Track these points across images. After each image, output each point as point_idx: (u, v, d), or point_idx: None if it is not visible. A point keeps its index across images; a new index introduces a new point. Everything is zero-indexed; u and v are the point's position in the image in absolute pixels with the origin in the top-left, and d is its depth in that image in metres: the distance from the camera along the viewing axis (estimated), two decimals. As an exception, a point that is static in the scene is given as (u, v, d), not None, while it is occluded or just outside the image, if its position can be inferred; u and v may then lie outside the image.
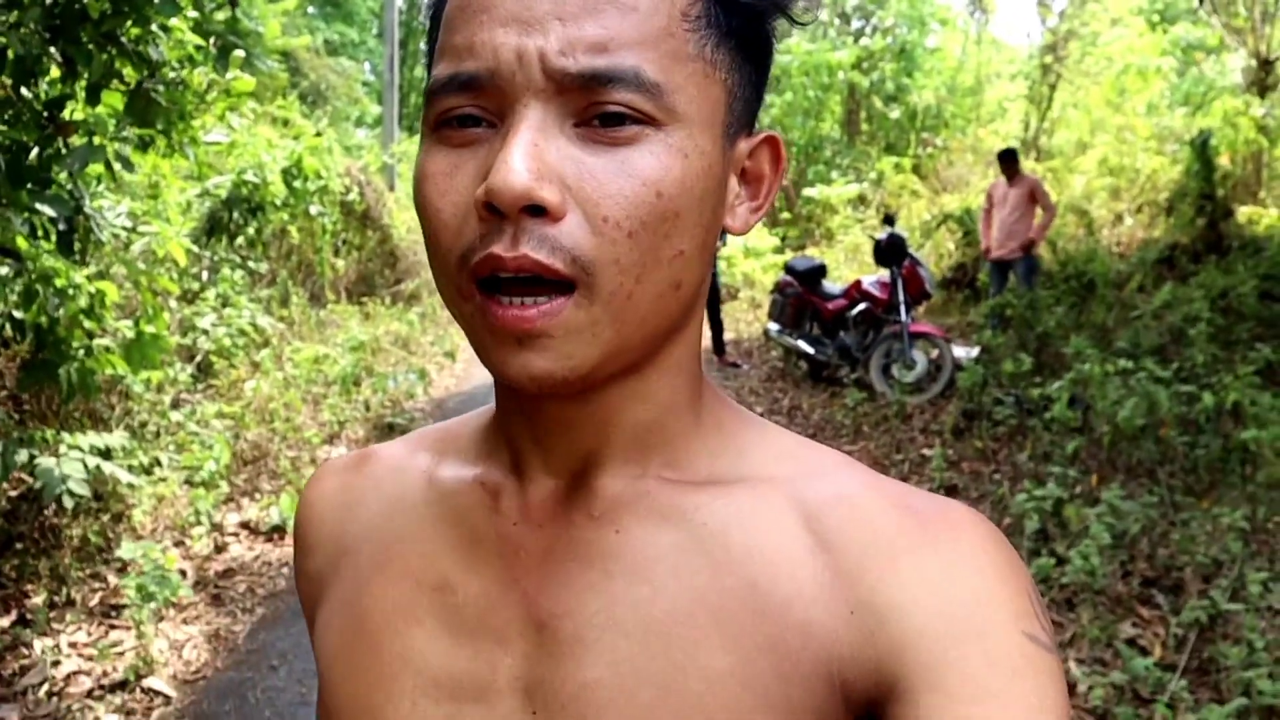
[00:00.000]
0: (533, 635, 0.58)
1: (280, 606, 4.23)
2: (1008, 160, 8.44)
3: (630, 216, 0.51)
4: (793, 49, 16.69)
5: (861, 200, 15.13)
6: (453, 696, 0.58)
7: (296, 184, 7.17)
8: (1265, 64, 11.51)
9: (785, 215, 17.21)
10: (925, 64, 17.02)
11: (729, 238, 12.13)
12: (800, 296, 8.36)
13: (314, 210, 7.79)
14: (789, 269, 8.71)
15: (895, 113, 16.77)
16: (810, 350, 8.18)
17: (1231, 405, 4.68)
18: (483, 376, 8.94)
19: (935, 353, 7.34)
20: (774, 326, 8.65)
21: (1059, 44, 14.94)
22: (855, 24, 18.09)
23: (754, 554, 0.55)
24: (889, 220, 8.06)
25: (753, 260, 14.46)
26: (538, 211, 0.50)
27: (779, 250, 15.40)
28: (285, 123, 8.58)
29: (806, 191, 16.02)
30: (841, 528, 0.55)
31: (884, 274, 7.87)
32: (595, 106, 0.51)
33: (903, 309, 7.43)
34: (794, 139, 17.51)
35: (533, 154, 0.50)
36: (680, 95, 0.52)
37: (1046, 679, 0.50)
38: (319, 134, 7.93)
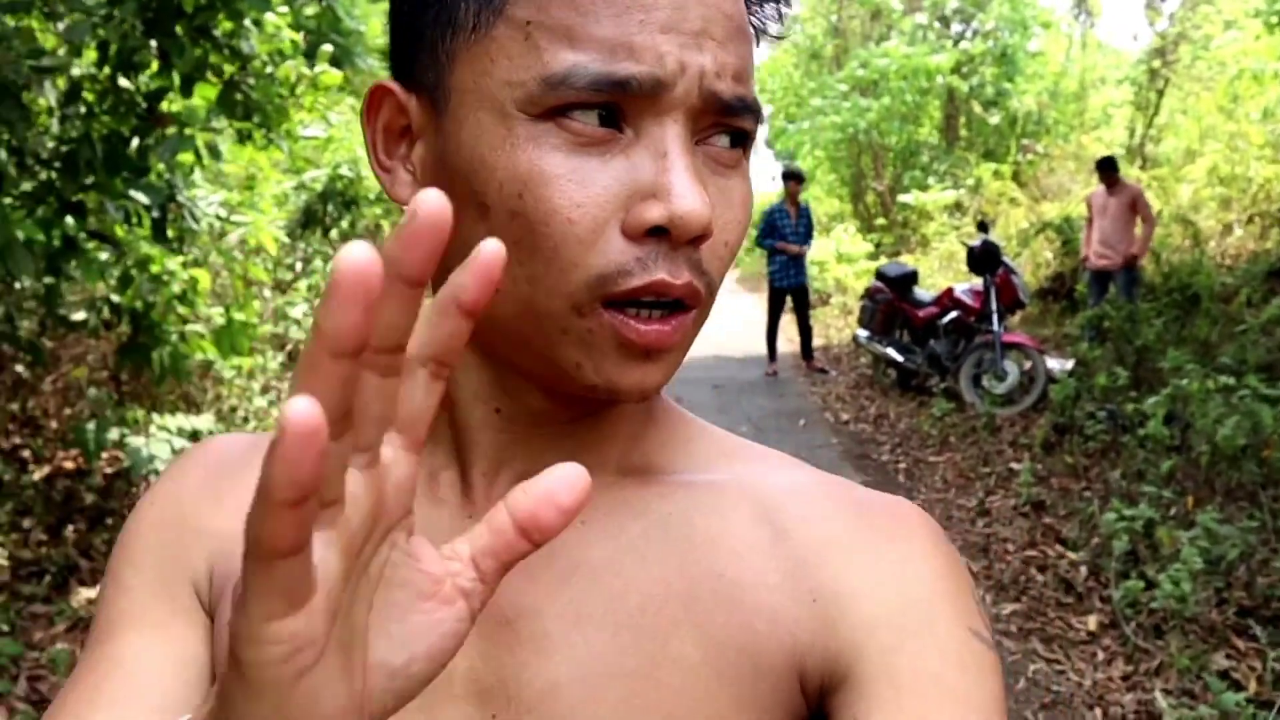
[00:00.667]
0: (491, 634, 0.55)
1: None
2: (1107, 168, 8.19)
3: (736, 241, 0.53)
4: (890, 53, 16.45)
5: (958, 207, 14.83)
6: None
7: (389, 179, 7.30)
8: (1392, 71, 10.97)
9: (880, 221, 16.99)
10: (1027, 68, 16.60)
11: (816, 243, 12.01)
12: (891, 303, 8.22)
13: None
14: (880, 275, 8.58)
15: (995, 118, 16.41)
16: (899, 358, 8.05)
17: (1343, 428, 4.45)
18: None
19: (1028, 364, 7.15)
20: (863, 333, 8.53)
21: (1168, 48, 14.44)
22: (955, 28, 17.74)
23: (718, 542, 0.55)
24: (983, 228, 7.87)
25: (845, 266, 14.32)
26: (699, 240, 0.50)
27: (872, 256, 15.19)
28: (381, 119, 8.73)
29: (902, 198, 15.77)
30: (800, 519, 0.56)
31: (977, 282, 7.69)
32: (717, 128, 0.52)
33: (995, 318, 7.24)
34: (891, 144, 17.27)
35: (698, 180, 0.49)
36: None
37: (989, 673, 0.52)
38: (413, 130, 8.07)
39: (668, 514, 0.56)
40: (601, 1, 0.48)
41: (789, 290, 9.26)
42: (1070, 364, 7.12)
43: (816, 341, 10.71)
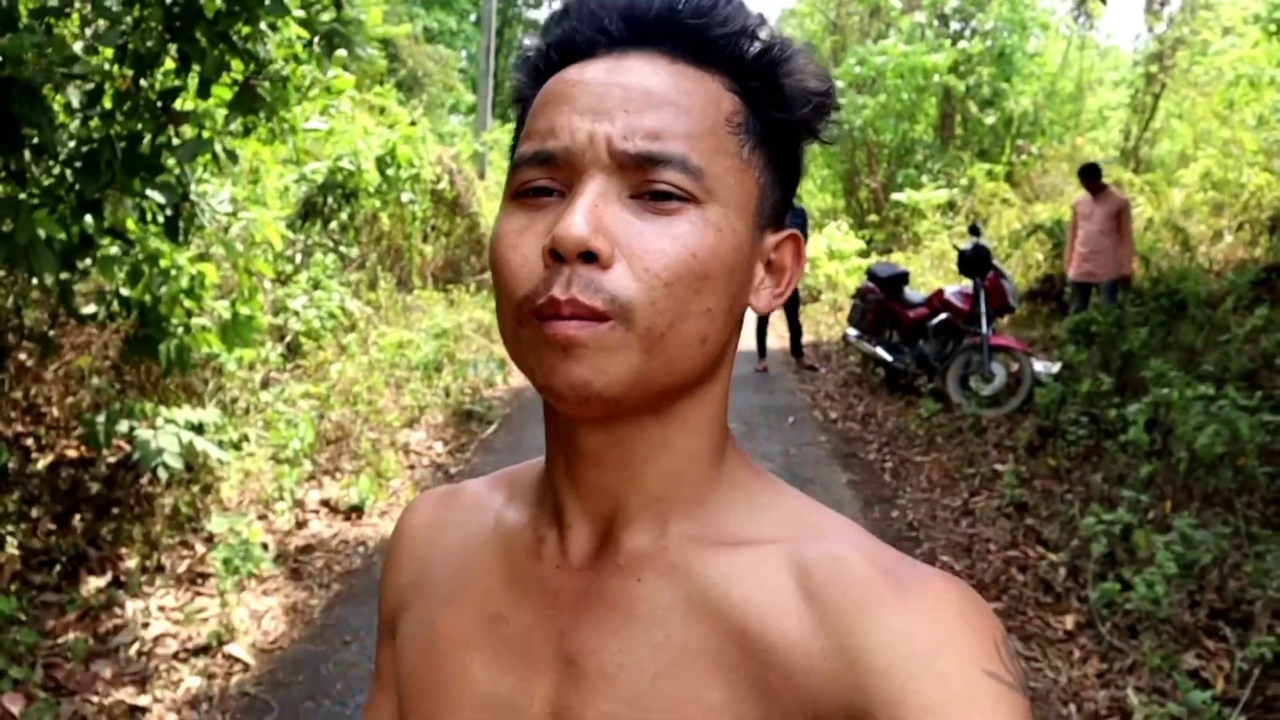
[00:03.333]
0: (563, 668, 0.67)
1: (355, 584, 4.39)
2: (1090, 175, 8.28)
3: (667, 269, 0.60)
4: (888, 50, 16.51)
5: (951, 206, 14.93)
6: (497, 718, 0.68)
7: (390, 172, 7.37)
8: (1384, 81, 11.08)
9: (873, 218, 17.07)
10: (1024, 69, 16.68)
11: (811, 237, 12.07)
12: (881, 303, 8.32)
13: (405, 198, 7.98)
14: (871, 275, 8.67)
15: (990, 118, 16.49)
16: (888, 358, 8.15)
17: (1318, 438, 4.57)
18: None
19: (1015, 366, 7.26)
20: (853, 332, 8.63)
21: (1166, 52, 14.53)
22: (954, 26, 17.81)
23: (749, 604, 0.63)
24: (974, 230, 7.97)
25: (836, 263, 14.39)
26: (590, 258, 0.59)
27: (864, 254, 15.27)
28: (381, 110, 8.80)
29: (895, 196, 15.85)
30: (826, 583, 0.62)
31: (967, 284, 7.79)
32: (648, 184, 0.61)
33: (984, 321, 7.35)
34: (886, 141, 17.34)
35: (592, 212, 0.60)
36: (719, 182, 0.63)
37: (1005, 711, 0.55)
38: (413, 123, 8.12)
39: (709, 577, 0.65)
40: (547, 103, 0.65)
41: None
42: (1057, 367, 7.22)
43: (806, 338, 10.81)
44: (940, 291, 8.10)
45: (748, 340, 10.20)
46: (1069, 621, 3.88)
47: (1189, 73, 14.59)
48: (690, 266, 0.61)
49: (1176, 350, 6.78)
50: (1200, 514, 4.42)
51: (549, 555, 0.71)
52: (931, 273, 12.79)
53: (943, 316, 7.77)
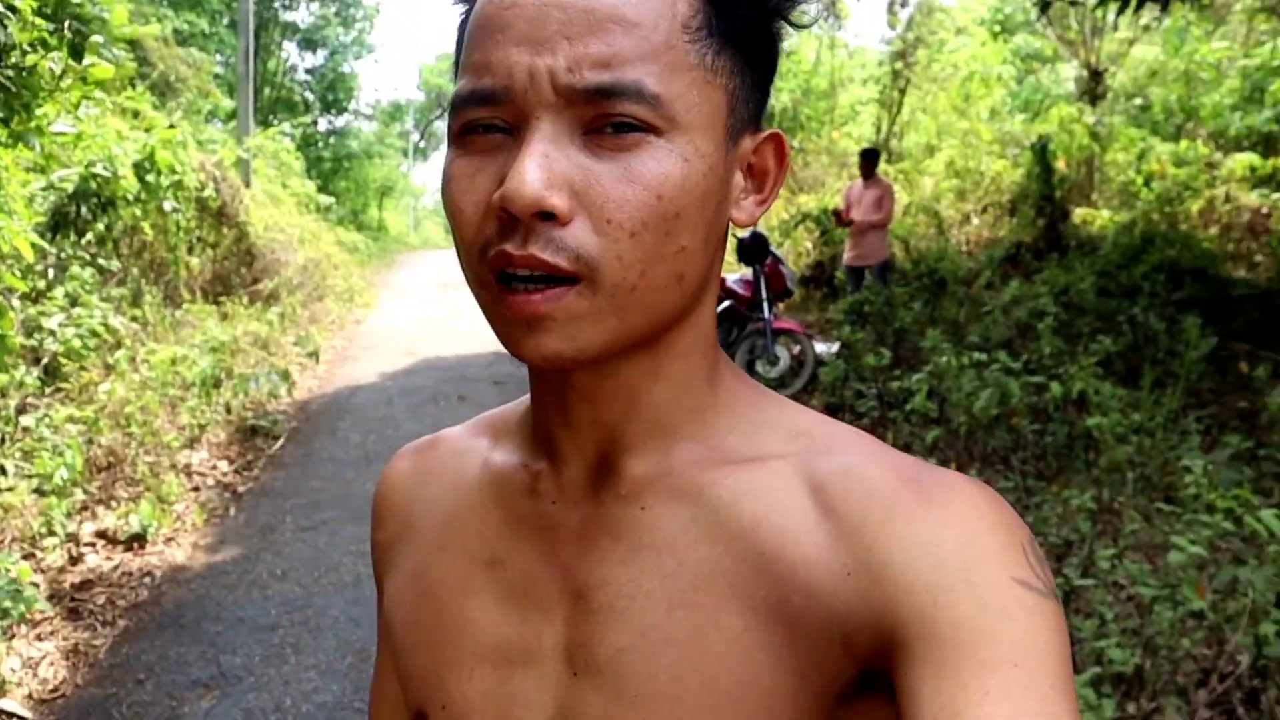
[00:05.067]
0: (571, 604, 0.64)
1: (144, 618, 4.06)
2: (869, 158, 8.74)
3: (632, 218, 0.56)
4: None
5: (722, 200, 15.33)
6: (505, 662, 0.66)
7: (149, 178, 6.86)
8: (1095, 74, 12.23)
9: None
10: (782, 67, 17.36)
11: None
12: (667, 294, 8.44)
13: (168, 206, 7.46)
14: (654, 267, 8.79)
15: (756, 113, 17.07)
16: (677, 347, 8.28)
17: (1077, 394, 4.97)
18: (346, 378, 8.75)
19: (797, 349, 7.55)
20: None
21: (908, 50, 15.49)
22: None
23: (762, 524, 0.60)
24: (753, 219, 8.21)
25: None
26: (548, 216, 0.55)
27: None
28: (135, 114, 8.20)
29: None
30: (844, 497, 0.59)
31: (747, 272, 8.03)
32: (602, 118, 0.56)
33: (766, 306, 7.59)
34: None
35: (543, 164, 0.55)
36: (680, 103, 0.57)
37: (1039, 619, 0.53)
38: (172, 126, 7.60)
39: (718, 498, 0.62)
40: (478, 33, 0.59)
41: None
42: (836, 347, 7.58)
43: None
44: (722, 280, 8.28)
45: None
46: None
47: (929, 70, 15.63)
48: (656, 210, 0.56)
49: (942, 324, 7.24)
50: (983, 472, 4.72)
51: (545, 492, 0.68)
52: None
53: (726, 304, 7.97)
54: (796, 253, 12.07)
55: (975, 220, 11.73)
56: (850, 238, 8.80)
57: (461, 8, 0.65)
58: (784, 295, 8.15)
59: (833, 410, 6.23)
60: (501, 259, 0.56)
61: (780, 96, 17.03)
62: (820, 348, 7.64)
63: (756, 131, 0.64)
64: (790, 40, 17.92)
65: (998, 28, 16.03)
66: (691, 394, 0.65)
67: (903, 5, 16.16)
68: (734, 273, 8.72)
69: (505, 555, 0.68)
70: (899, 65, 15.32)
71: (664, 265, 0.58)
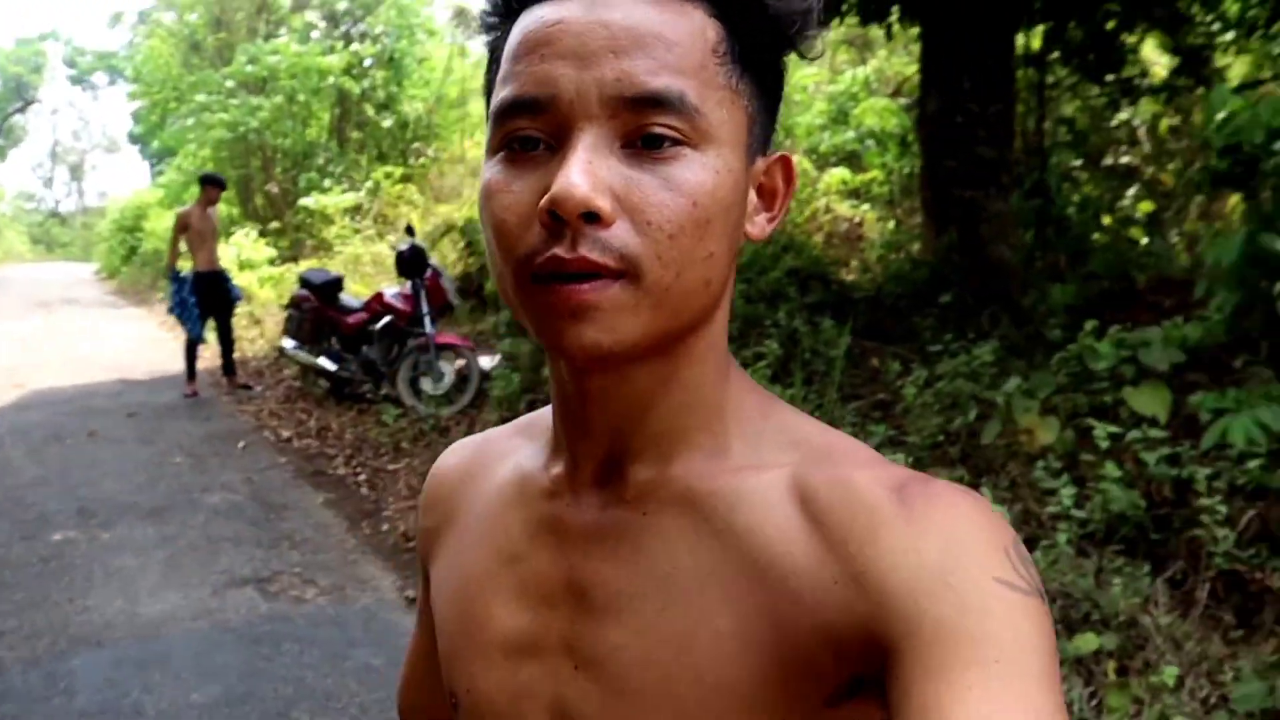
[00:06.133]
0: (574, 602, 0.68)
1: None
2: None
3: (670, 221, 0.59)
4: (281, 49, 15.96)
5: (358, 210, 14.86)
6: (517, 653, 0.70)
7: None
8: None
9: (275, 225, 16.42)
10: (414, 74, 17.09)
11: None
12: (318, 310, 8.03)
13: None
14: (304, 282, 8.33)
15: (387, 121, 16.70)
16: (331, 367, 7.89)
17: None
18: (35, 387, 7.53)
19: (461, 363, 7.42)
20: (290, 343, 8.23)
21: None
22: (345, 27, 17.70)
23: (756, 531, 0.63)
24: (410, 231, 7.97)
25: (249, 272, 13.64)
26: (593, 218, 0.58)
27: (274, 262, 14.65)
28: None
29: (303, 200, 15.39)
30: (831, 507, 0.61)
31: (406, 286, 7.80)
32: (642, 129, 0.59)
33: (427, 320, 7.43)
34: (284, 145, 16.79)
35: (588, 170, 0.58)
36: (713, 118, 0.61)
37: (1021, 617, 0.55)
38: None
39: (714, 507, 0.65)
40: (521, 47, 0.62)
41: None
42: (498, 359, 7.54)
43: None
44: (380, 294, 8.02)
45: (163, 362, 9.24)
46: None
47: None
48: (692, 215, 0.60)
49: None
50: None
51: (560, 494, 0.72)
52: (350, 279, 12.63)
53: (386, 320, 7.70)
54: (443, 263, 11.91)
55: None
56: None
57: (486, 36, 0.68)
58: (446, 309, 8.02)
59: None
60: (553, 263, 0.58)
61: (414, 104, 16.78)
62: (484, 361, 7.56)
63: (767, 153, 0.68)
64: (422, 47, 17.70)
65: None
66: (701, 401, 0.68)
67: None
68: (392, 286, 8.45)
69: (524, 553, 0.72)
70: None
71: (696, 268, 0.61)
